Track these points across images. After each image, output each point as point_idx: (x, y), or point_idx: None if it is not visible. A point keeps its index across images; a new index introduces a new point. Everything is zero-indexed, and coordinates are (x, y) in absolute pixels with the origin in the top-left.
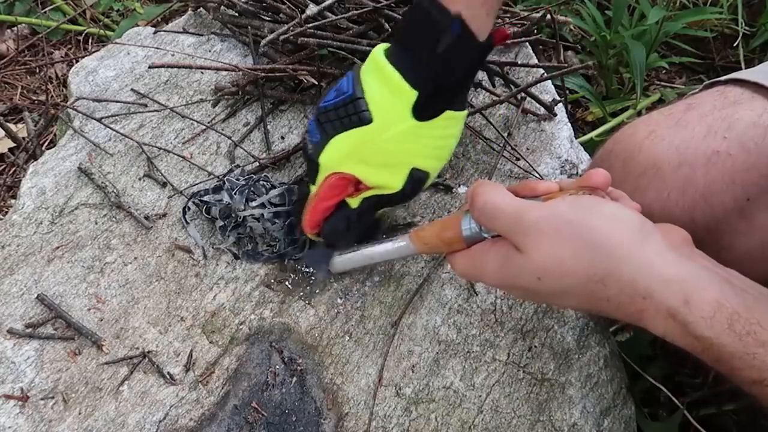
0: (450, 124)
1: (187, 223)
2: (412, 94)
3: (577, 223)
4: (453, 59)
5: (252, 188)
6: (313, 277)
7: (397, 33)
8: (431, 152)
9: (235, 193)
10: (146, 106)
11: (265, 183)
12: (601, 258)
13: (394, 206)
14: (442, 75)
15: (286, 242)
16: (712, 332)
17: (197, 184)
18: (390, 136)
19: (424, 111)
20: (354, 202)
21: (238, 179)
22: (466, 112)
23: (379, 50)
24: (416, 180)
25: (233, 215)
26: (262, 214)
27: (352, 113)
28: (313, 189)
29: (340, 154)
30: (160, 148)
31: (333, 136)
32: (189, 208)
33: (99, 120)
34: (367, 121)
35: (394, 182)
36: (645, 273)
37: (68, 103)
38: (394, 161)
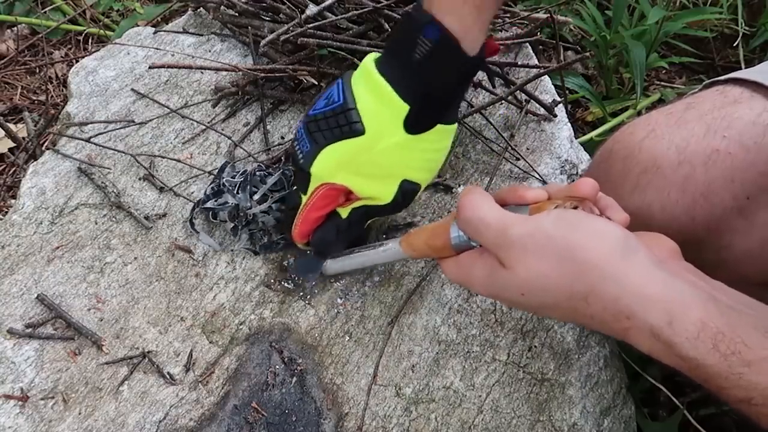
0: (441, 137)
1: (197, 232)
2: (403, 108)
3: (561, 240)
4: (436, 67)
5: (251, 183)
6: (302, 284)
7: (387, 41)
8: (422, 164)
9: (237, 192)
10: (133, 121)
11: (260, 173)
12: (584, 275)
13: (384, 216)
14: (428, 84)
15: None
16: (697, 353)
17: (193, 178)
18: (382, 149)
19: (415, 125)
20: (344, 212)
21: (234, 177)
22: (456, 125)
23: (370, 59)
24: (407, 192)
25: (242, 214)
26: (270, 207)
27: (344, 124)
28: (304, 199)
29: (332, 164)
30: (155, 155)
31: (324, 146)
32: (195, 218)
33: (87, 140)
34: (360, 132)
35: (385, 194)
36: (627, 292)
37: (55, 128)
38: (385, 173)
